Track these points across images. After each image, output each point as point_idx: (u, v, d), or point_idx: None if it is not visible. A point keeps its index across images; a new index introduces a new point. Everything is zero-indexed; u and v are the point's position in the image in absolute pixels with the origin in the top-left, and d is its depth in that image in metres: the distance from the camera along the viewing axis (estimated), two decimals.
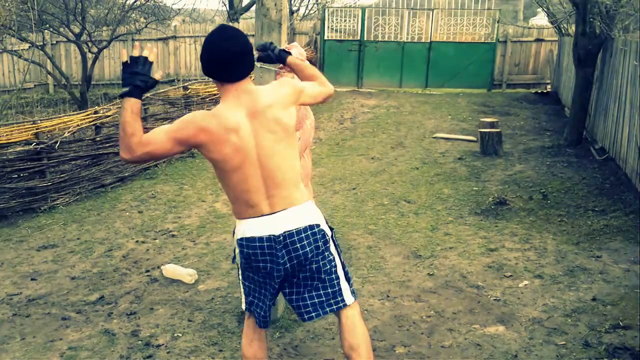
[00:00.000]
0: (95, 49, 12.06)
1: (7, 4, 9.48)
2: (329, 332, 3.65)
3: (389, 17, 14.47)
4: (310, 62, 10.47)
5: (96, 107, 7.73)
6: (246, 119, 2.37)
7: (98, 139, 7.01)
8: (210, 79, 2.54)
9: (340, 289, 2.60)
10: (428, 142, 8.91)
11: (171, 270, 4.62)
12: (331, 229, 2.65)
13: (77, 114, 7.03)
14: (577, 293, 3.99)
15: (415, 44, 14.50)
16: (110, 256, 5.07)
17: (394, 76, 14.54)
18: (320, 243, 2.52)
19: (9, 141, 6.07)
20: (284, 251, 2.45)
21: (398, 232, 5.29)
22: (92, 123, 6.97)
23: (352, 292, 2.65)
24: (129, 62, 2.30)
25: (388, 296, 4.12)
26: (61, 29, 12.38)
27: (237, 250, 2.56)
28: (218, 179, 2.53)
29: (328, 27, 14.52)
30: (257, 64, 3.54)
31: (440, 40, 14.47)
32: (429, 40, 14.43)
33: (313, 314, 2.60)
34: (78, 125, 6.73)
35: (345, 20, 14.59)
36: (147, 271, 4.73)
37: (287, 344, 3.54)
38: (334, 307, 2.59)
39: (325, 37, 14.48)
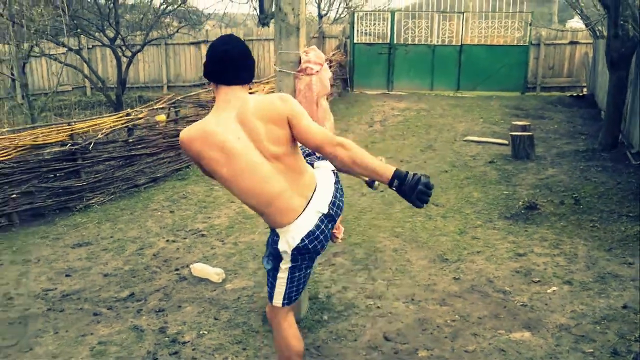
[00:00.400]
0: (129, 53, 12.32)
1: (40, 9, 9.76)
2: (351, 334, 3.67)
3: (419, 20, 14.41)
4: (340, 65, 10.47)
5: (128, 109, 7.89)
6: (235, 122, 2.39)
7: (131, 140, 7.16)
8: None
9: None
10: (458, 145, 8.84)
11: (199, 269, 4.69)
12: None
13: (109, 116, 7.21)
14: (607, 300, 3.92)
15: (446, 47, 14.40)
16: (142, 254, 5.18)
17: (424, 79, 14.46)
18: (339, 186, 2.71)
19: (45, 142, 6.26)
20: (334, 219, 2.61)
21: (425, 235, 5.27)
22: (124, 125, 7.12)
23: None
24: None
25: (413, 299, 4.11)
26: (96, 34, 12.68)
27: (288, 258, 2.57)
28: (241, 200, 2.53)
29: (357, 30, 14.53)
30: (276, 67, 3.60)
31: (472, 43, 14.34)
32: (460, 44, 14.31)
33: None
34: (111, 127, 6.90)
35: (374, 24, 14.59)
36: (177, 270, 4.82)
37: (310, 344, 3.56)
38: None
39: (355, 41, 14.50)
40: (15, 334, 3.82)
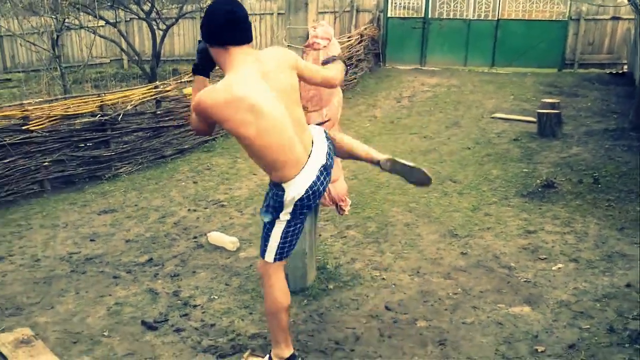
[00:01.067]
0: (163, 26, 12.52)
1: None
2: (354, 303, 3.80)
3: None
4: (373, 39, 10.43)
5: (156, 82, 8.10)
6: (259, 80, 2.54)
7: (159, 112, 7.37)
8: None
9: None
10: (485, 122, 8.76)
11: (215, 237, 4.88)
12: None
13: (138, 88, 7.42)
14: (611, 278, 3.93)
15: (482, 22, 14.10)
16: (163, 222, 5.40)
17: (458, 54, 14.23)
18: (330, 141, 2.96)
19: (76, 112, 6.51)
20: (329, 171, 2.82)
21: (438, 210, 5.32)
22: (152, 97, 7.33)
23: None
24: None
25: (418, 272, 4.20)
26: (133, 7, 12.91)
27: (288, 209, 2.71)
28: (257, 157, 2.64)
29: (392, 4, 14.37)
30: (285, 42, 3.68)
31: (509, 18, 14.02)
32: (496, 18, 14.00)
33: None
34: (140, 99, 7.11)
35: None
36: (195, 237, 5.02)
37: (313, 311, 3.71)
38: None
39: (389, 15, 14.34)
40: (40, 292, 4.08)
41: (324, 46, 3.59)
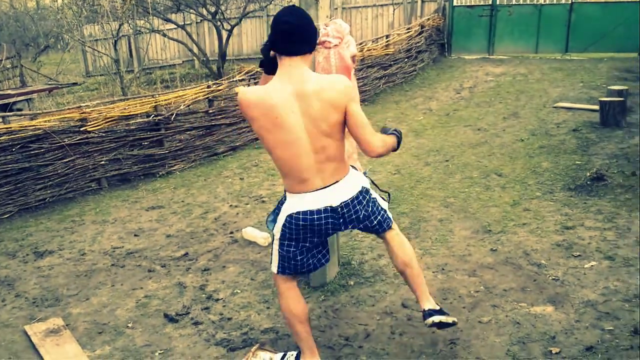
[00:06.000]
0: (228, 26, 12.88)
1: None
2: (371, 299, 3.78)
3: None
4: (438, 30, 10.31)
5: (209, 81, 8.35)
6: (292, 97, 2.52)
7: (211, 111, 7.62)
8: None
9: (386, 215, 2.95)
10: (546, 112, 8.37)
11: (249, 233, 5.01)
12: (364, 173, 2.99)
13: (191, 88, 7.69)
14: None
15: (555, 6, 13.44)
16: (205, 218, 5.60)
17: (529, 41, 13.65)
18: (367, 199, 2.83)
19: (131, 113, 6.86)
20: (341, 220, 2.72)
21: (476, 206, 5.17)
22: (205, 97, 7.58)
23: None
24: None
25: (443, 269, 4.12)
26: (200, 9, 13.38)
27: (280, 223, 2.78)
28: (270, 155, 2.72)
29: None
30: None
31: (584, 0, 13.27)
32: (570, 1, 13.30)
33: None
34: (192, 98, 7.37)
35: None
36: (231, 233, 5.18)
37: (329, 307, 3.73)
38: (382, 229, 2.94)
39: (455, 3, 13.97)
40: (79, 285, 4.37)
41: (336, 45, 3.59)
